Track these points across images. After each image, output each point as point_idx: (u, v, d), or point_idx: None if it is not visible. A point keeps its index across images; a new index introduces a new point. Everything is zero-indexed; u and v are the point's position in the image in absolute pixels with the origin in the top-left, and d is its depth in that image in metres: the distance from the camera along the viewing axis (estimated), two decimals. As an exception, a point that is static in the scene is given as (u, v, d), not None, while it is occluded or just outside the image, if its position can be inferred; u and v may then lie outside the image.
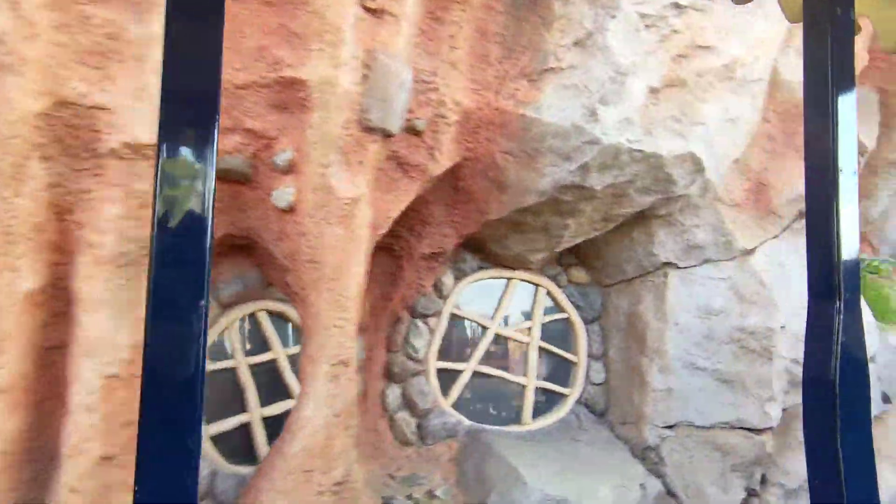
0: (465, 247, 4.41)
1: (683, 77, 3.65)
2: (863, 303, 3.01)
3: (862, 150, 5.33)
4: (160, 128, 0.84)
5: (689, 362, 4.19)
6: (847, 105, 1.14)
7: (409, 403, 4.18)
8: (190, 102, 0.85)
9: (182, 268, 0.82)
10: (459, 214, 4.08)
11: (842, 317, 1.09)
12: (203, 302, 0.81)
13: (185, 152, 0.84)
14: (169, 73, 0.85)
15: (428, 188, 3.75)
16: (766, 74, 4.08)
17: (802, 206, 4.30)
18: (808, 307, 1.14)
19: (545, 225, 4.03)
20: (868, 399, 1.15)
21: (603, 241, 4.48)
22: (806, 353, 1.14)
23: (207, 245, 0.83)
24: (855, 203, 1.12)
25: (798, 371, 4.14)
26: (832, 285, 1.10)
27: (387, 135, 3.24)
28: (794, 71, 4.24)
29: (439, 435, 4.12)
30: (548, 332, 4.73)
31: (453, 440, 4.13)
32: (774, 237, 4.31)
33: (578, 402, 4.66)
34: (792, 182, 4.27)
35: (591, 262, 4.77)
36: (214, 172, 0.86)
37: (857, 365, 1.10)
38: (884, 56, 5.64)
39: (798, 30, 4.37)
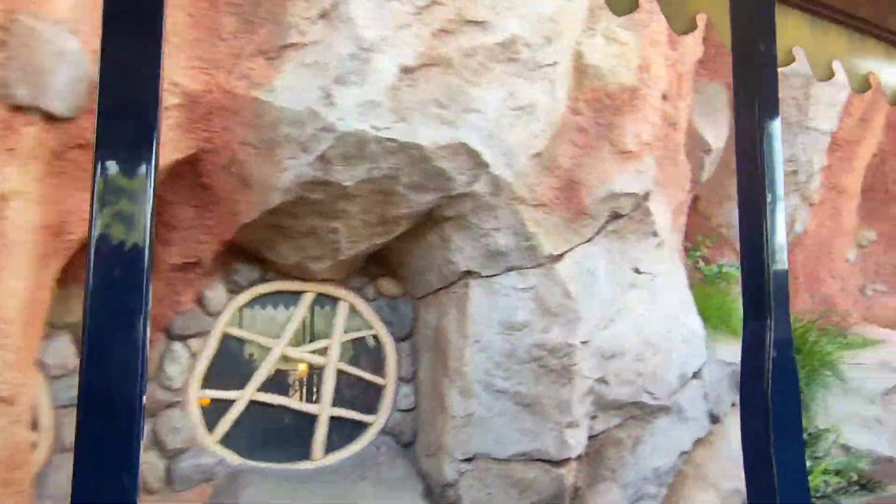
0: (236, 255, 3.80)
1: (447, 56, 3.17)
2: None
3: (705, 147, 4.99)
4: (97, 143, 0.83)
5: (489, 384, 3.67)
6: (773, 135, 1.19)
7: (157, 442, 3.52)
8: (127, 116, 0.83)
9: (120, 283, 0.80)
10: (213, 217, 3.48)
11: (772, 333, 1.15)
12: (143, 317, 0.80)
13: (123, 168, 0.82)
14: (106, 87, 0.83)
15: (157, 185, 3.14)
16: (565, 59, 3.65)
17: (617, 204, 3.87)
18: (744, 325, 1.21)
19: (312, 229, 3.47)
20: (798, 408, 1.20)
21: (406, 248, 3.95)
22: (742, 368, 1.19)
23: (146, 261, 0.81)
24: (783, 229, 1.17)
25: (608, 391, 3.67)
26: (764, 305, 1.16)
27: (50, 117, 2.62)
28: (603, 57, 3.83)
29: (192, 479, 3.48)
30: (353, 352, 4.15)
31: (209, 484, 3.49)
32: (587, 241, 3.86)
33: (384, 431, 4.09)
34: (606, 179, 3.84)
35: (400, 272, 4.23)
36: (153, 189, 0.83)
37: (788, 377, 1.16)
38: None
39: (605, 12, 3.99)
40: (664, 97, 4.34)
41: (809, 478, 4.00)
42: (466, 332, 3.74)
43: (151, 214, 0.83)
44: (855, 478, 4.08)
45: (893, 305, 6.32)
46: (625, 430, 3.66)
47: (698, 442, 3.87)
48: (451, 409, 3.71)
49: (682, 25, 1.60)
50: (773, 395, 1.14)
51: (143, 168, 0.83)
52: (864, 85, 1.93)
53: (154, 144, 0.84)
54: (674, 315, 3.88)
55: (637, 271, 3.79)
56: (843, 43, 1.80)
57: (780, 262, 1.19)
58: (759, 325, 1.17)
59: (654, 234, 3.88)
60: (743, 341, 1.21)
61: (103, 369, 0.78)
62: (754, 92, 1.22)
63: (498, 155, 3.44)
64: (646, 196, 3.85)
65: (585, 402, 3.53)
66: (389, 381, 4.17)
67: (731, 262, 5.46)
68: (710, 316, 4.31)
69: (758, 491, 1.14)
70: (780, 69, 1.33)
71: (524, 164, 3.61)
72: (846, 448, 4.91)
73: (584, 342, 3.53)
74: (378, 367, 4.21)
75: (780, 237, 1.20)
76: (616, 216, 3.86)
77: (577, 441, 3.46)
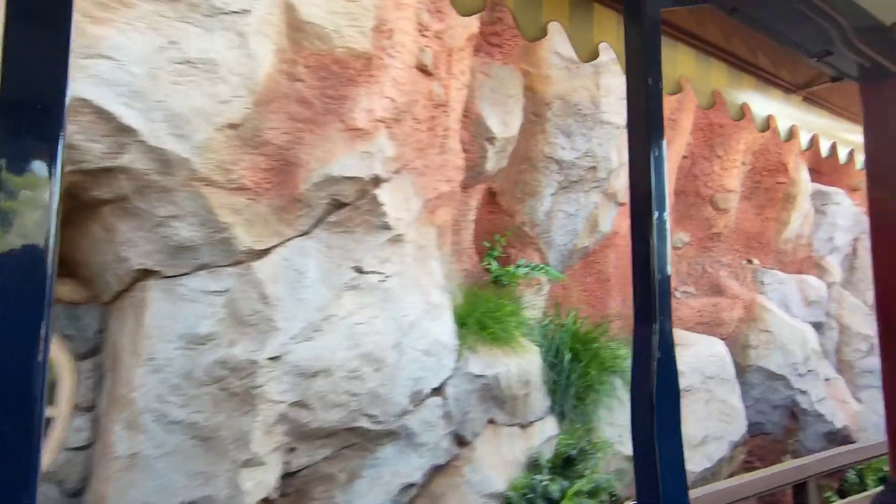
0: None
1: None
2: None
3: (488, 135, 4.54)
4: None
5: (162, 414, 2.88)
6: (661, 158, 1.31)
7: None
8: (31, 113, 0.78)
9: (20, 289, 0.75)
10: None
11: (657, 337, 1.24)
12: (44, 322, 0.75)
13: (26, 167, 0.76)
14: (8, 81, 0.77)
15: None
16: (262, 8, 2.96)
17: (337, 191, 3.24)
18: (634, 330, 1.30)
19: None
20: (678, 406, 1.28)
21: (74, 239, 3.07)
22: (633, 369, 1.29)
23: (50, 264, 0.75)
24: (667, 240, 1.29)
25: (310, 418, 3.01)
26: (651, 310, 1.25)
27: None
28: (325, 14, 3.19)
29: None
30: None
31: None
32: (303, 234, 3.19)
33: (44, 478, 3.17)
34: (328, 160, 3.20)
35: (80, 272, 3.34)
36: (59, 188, 0.78)
37: (670, 377, 1.25)
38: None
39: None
40: (425, 72, 3.80)
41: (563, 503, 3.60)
42: (139, 348, 2.94)
43: (56, 214, 0.77)
44: (607, 500, 3.75)
45: (698, 307, 6.33)
46: (337, 463, 3.03)
47: (437, 470, 3.33)
48: (113, 448, 2.89)
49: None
50: (657, 395, 1.22)
51: (47, 166, 0.77)
52: (740, 113, 2.12)
53: (59, 142, 0.78)
54: (412, 322, 3.32)
55: (360, 271, 3.18)
56: (724, 76, 2.00)
57: (664, 271, 1.28)
58: (647, 329, 1.26)
59: (387, 227, 3.30)
60: (633, 344, 1.30)
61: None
62: (644, 120, 1.33)
63: (155, 121, 2.67)
64: (375, 182, 3.26)
65: (275, 432, 2.85)
66: (62, 411, 3.26)
67: (533, 264, 5.07)
68: (476, 322, 3.82)
69: (644, 486, 1.24)
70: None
71: (209, 136, 2.87)
72: (630, 459, 4.65)
73: (273, 358, 2.85)
74: (50, 393, 3.29)
75: (665, 248, 1.29)
76: (338, 205, 3.23)
77: (257, 483, 2.76)
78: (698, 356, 5.19)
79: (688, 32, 1.85)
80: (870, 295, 8.31)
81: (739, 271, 6.74)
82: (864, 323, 7.49)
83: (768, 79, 2.18)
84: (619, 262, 6.19)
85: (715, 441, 4.84)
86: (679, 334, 5.85)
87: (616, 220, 5.96)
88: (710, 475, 4.73)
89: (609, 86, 4.92)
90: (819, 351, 6.28)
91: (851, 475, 6.22)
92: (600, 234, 5.68)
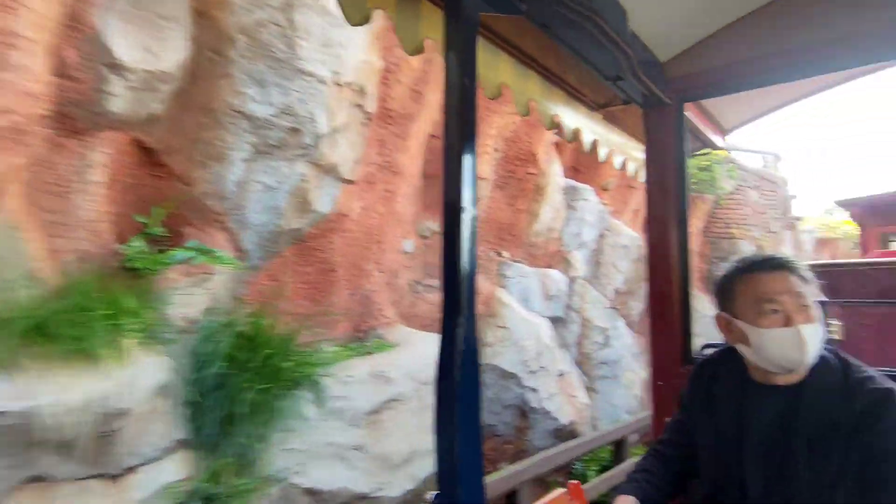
0: None
1: None
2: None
3: (110, 61, 3.23)
4: None
5: None
6: (472, 154, 1.34)
7: None
8: None
9: None
10: None
11: (462, 330, 1.26)
12: None
13: None
14: None
15: None
16: None
17: None
18: (441, 323, 1.29)
19: None
20: (478, 402, 1.29)
21: None
22: (438, 363, 1.27)
23: None
24: (473, 232, 1.31)
25: None
26: (459, 303, 1.27)
27: None
28: None
29: None
30: None
31: None
32: None
33: None
34: None
35: None
36: None
37: (471, 370, 1.27)
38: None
39: None
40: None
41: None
42: None
43: None
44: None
45: (434, 301, 5.81)
46: None
47: None
48: None
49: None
50: (459, 389, 1.24)
51: None
52: (553, 123, 2.28)
53: None
54: None
55: None
56: (538, 87, 2.13)
57: (472, 266, 1.31)
58: (454, 322, 1.27)
59: None
60: (441, 338, 1.28)
61: None
62: (458, 119, 1.34)
63: None
64: None
65: None
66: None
67: (204, 248, 3.88)
68: (35, 328, 2.52)
69: (445, 480, 1.22)
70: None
71: None
72: (312, 492, 3.75)
73: None
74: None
75: (473, 245, 1.32)
76: None
77: None
78: (415, 358, 4.52)
79: (509, 42, 1.92)
80: (611, 289, 8.77)
81: (487, 264, 6.38)
82: (603, 316, 7.77)
83: (575, 95, 2.34)
84: (350, 250, 5.33)
85: (422, 457, 4.19)
86: (401, 333, 5.15)
87: (343, 201, 5.07)
88: (411, 497, 4.06)
89: (307, 26, 3.94)
90: (552, 346, 6.16)
91: (579, 467, 6.24)
92: (316, 214, 4.72)
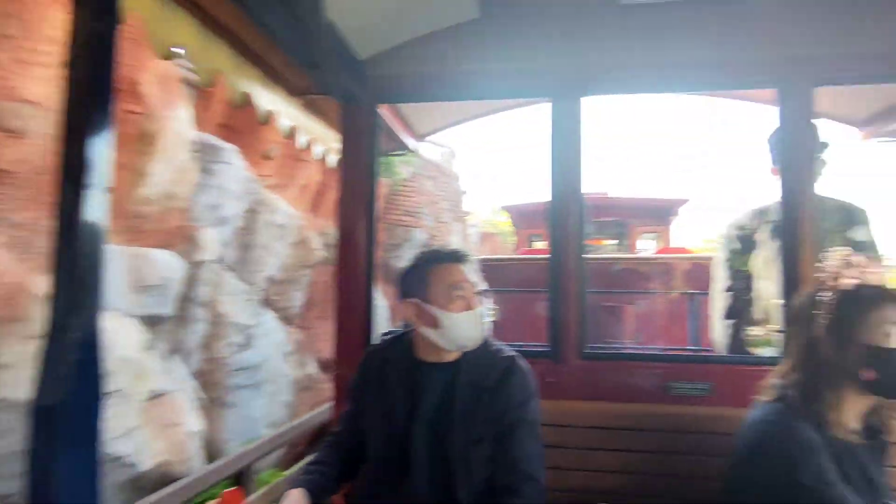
0: None
1: None
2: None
3: None
4: None
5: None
6: (102, 132, 1.15)
7: None
8: None
9: None
10: None
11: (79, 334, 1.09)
12: None
13: None
14: None
15: None
16: None
17: None
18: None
19: None
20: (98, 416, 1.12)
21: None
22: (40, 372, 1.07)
23: None
24: (105, 217, 1.14)
25: None
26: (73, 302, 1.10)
27: None
28: None
29: None
30: None
31: None
32: None
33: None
34: None
35: None
36: None
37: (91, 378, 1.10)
38: None
39: None
40: None
41: None
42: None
43: None
44: None
45: None
46: None
47: None
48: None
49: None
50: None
51: None
52: (244, 99, 2.24)
53: None
54: None
55: None
56: (231, 61, 2.05)
57: (99, 252, 1.14)
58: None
59: None
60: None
61: None
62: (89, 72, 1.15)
63: None
64: None
65: None
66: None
67: None
68: None
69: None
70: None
71: None
72: None
73: None
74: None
75: (102, 228, 1.13)
76: None
77: None
78: None
79: (196, 4, 1.80)
80: (262, 277, 7.35)
81: (33, 237, 4.12)
82: (245, 311, 6.26)
83: (274, 76, 2.30)
84: None
85: None
86: None
87: None
88: None
89: None
90: (141, 357, 4.33)
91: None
92: None
